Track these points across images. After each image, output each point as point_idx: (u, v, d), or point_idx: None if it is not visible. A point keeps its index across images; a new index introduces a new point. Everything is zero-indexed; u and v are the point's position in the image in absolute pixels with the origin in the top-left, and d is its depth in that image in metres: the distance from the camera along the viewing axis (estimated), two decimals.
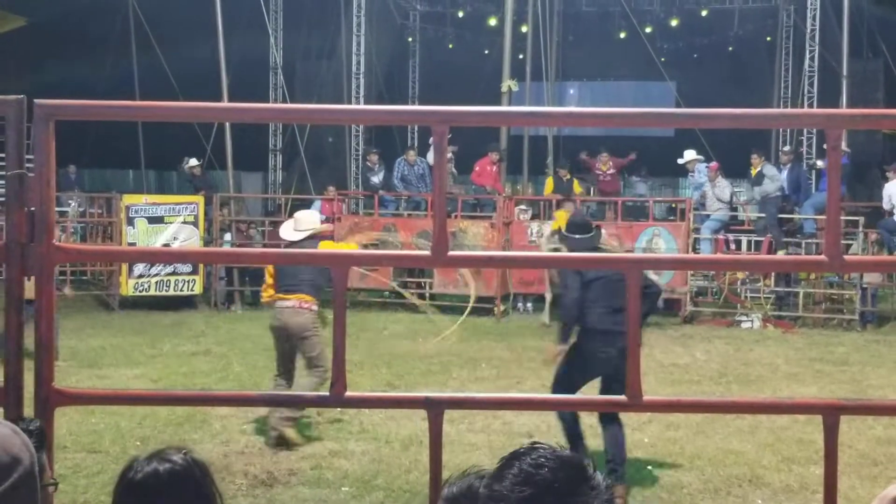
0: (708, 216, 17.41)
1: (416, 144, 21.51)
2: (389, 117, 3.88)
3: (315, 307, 8.61)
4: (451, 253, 3.15)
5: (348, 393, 3.13)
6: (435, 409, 3.13)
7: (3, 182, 3.02)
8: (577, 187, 19.09)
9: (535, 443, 1.73)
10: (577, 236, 7.49)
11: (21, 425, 2.38)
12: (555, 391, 7.18)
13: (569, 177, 19.20)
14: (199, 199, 17.91)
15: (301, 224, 8.86)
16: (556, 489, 1.61)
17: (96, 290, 18.37)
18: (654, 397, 3.27)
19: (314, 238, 8.75)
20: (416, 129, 26.23)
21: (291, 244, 8.68)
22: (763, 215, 17.39)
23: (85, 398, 3.39)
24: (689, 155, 18.24)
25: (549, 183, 19.67)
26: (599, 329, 7.13)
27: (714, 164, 17.94)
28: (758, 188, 17.51)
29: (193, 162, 19.58)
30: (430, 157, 18.74)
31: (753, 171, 17.55)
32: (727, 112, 3.02)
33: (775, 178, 17.15)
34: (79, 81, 21.35)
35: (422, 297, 17.84)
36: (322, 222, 9.38)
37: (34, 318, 2.97)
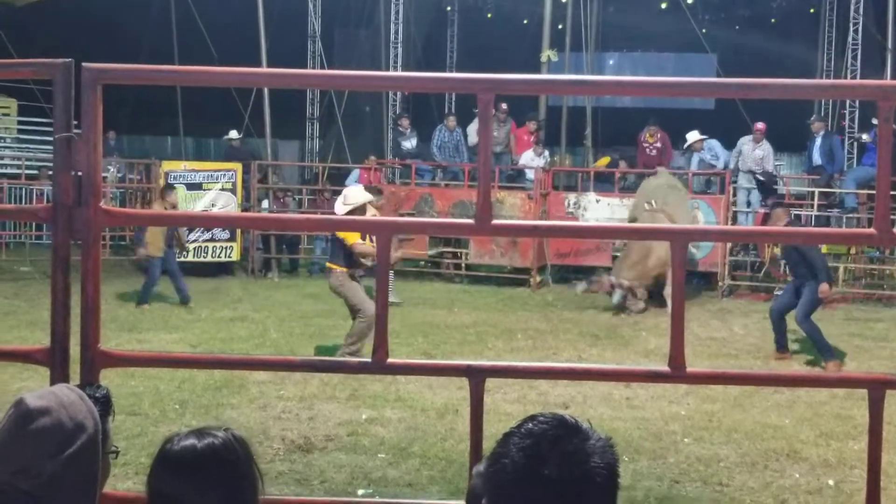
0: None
1: (454, 111, 21.48)
2: (434, 84, 3.87)
3: (338, 269, 10.07)
4: (495, 221, 3.14)
5: (390, 360, 3.14)
6: (476, 377, 3.13)
7: (51, 147, 3.03)
8: (605, 159, 18.91)
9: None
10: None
11: (87, 392, 2.40)
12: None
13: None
14: (238, 166, 17.99)
15: (347, 199, 9.92)
16: (550, 436, 1.74)
17: (134, 256, 18.51)
18: (697, 369, 3.25)
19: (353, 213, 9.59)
20: (453, 98, 26.13)
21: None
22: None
23: (130, 360, 3.43)
24: (693, 136, 17.96)
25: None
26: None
27: (762, 124, 17.64)
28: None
29: (233, 134, 19.65)
30: (471, 128, 18.73)
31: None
32: (778, 82, 2.98)
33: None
34: (119, 49, 21.43)
35: (458, 267, 17.86)
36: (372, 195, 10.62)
37: (81, 280, 2.99)
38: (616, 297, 14.10)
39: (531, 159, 18.17)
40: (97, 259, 3.01)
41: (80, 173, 2.98)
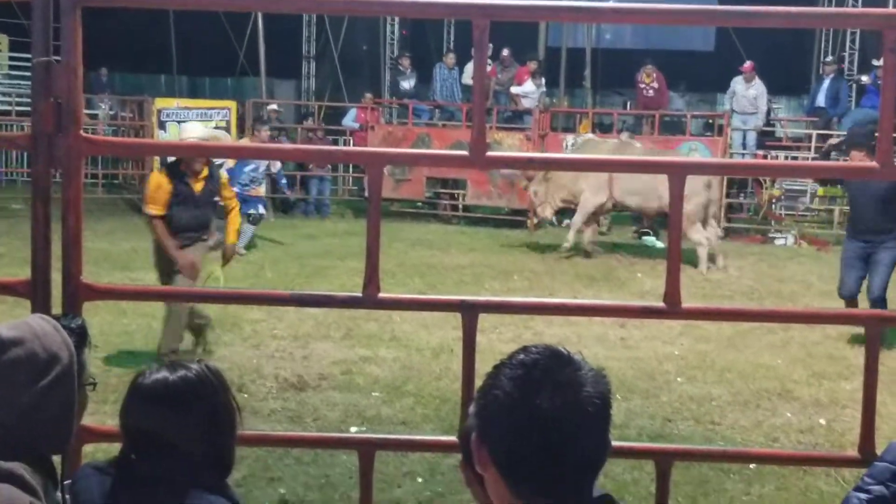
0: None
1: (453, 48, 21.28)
2: (426, 10, 3.76)
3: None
4: (489, 153, 3.07)
5: (382, 294, 3.08)
6: (469, 312, 3.07)
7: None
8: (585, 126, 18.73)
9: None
10: None
11: (62, 322, 2.34)
12: None
13: None
14: (232, 104, 17.81)
15: (182, 135, 8.45)
16: (542, 366, 1.71)
17: (128, 195, 18.43)
18: (692, 305, 3.20)
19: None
20: (452, 37, 25.83)
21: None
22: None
23: (113, 293, 3.36)
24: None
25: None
26: None
27: (749, 63, 17.54)
28: None
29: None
30: (468, 68, 18.55)
31: None
32: (781, 10, 2.89)
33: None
34: None
35: (454, 208, 17.77)
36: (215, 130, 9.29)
37: (61, 211, 2.92)
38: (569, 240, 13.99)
39: (531, 89, 18.04)
40: (78, 189, 2.94)
41: (59, 101, 2.90)
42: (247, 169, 13.45)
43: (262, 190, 14.37)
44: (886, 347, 8.45)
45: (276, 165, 14.56)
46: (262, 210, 14.07)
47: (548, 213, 14.58)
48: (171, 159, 8.29)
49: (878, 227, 8.70)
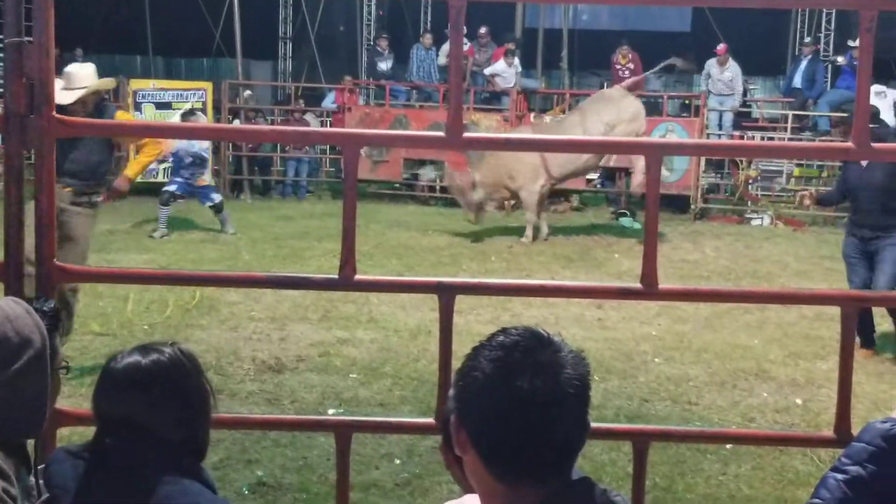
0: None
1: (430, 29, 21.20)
2: None
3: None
4: (466, 134, 3.05)
5: (358, 276, 3.06)
6: (446, 294, 3.06)
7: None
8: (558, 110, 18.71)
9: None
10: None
11: (35, 305, 2.31)
12: None
13: None
14: (208, 85, 17.70)
15: (73, 81, 7.05)
16: (522, 347, 1.71)
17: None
18: (669, 286, 3.20)
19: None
20: (429, 17, 25.74)
21: (64, 109, 6.18)
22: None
23: (85, 275, 3.33)
24: None
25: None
26: None
27: (722, 46, 17.58)
28: None
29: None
30: (444, 48, 18.47)
31: None
32: None
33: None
34: None
35: (431, 189, 17.74)
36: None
37: (34, 192, 2.89)
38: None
39: (503, 69, 17.99)
40: (51, 171, 2.90)
41: (32, 81, 2.86)
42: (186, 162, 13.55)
43: (206, 178, 14.28)
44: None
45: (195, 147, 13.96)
46: (216, 197, 13.93)
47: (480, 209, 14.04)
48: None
49: (880, 223, 7.86)
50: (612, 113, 13.15)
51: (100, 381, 2.38)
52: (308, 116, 18.91)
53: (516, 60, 18.46)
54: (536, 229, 13.63)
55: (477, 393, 1.71)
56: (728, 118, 17.70)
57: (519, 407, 1.67)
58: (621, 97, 13.58)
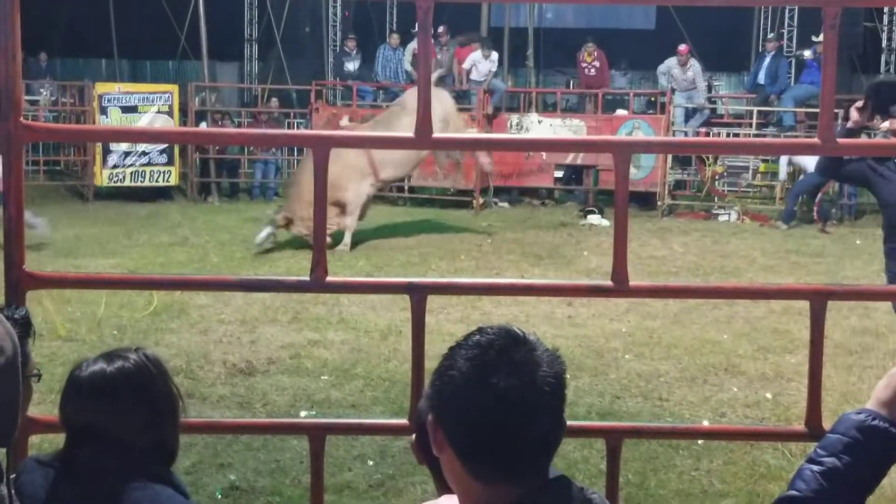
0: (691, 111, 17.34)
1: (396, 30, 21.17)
2: None
3: None
4: (435, 135, 3.05)
5: (330, 278, 3.06)
6: (417, 294, 3.06)
7: None
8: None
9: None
10: None
11: (5, 313, 2.28)
12: None
13: None
14: (174, 88, 17.60)
15: None
16: (498, 346, 1.72)
17: (70, 181, 18.15)
18: (639, 283, 3.22)
19: None
20: (395, 18, 25.71)
21: None
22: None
23: (56, 281, 3.30)
24: None
25: None
26: None
27: (684, 46, 17.63)
28: None
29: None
30: (409, 48, 18.42)
31: None
32: None
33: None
34: None
35: (400, 189, 17.72)
36: None
37: (2, 199, 2.86)
38: (262, 233, 12.53)
39: (478, 60, 17.92)
40: (19, 176, 2.87)
41: None
42: None
43: None
44: (831, 321, 8.61)
45: None
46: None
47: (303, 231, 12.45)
48: None
49: None
50: (438, 109, 12.76)
51: (65, 389, 2.37)
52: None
53: (494, 55, 18.29)
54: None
55: (454, 392, 1.72)
56: (702, 116, 17.71)
57: (495, 406, 1.67)
58: (435, 91, 13.39)
